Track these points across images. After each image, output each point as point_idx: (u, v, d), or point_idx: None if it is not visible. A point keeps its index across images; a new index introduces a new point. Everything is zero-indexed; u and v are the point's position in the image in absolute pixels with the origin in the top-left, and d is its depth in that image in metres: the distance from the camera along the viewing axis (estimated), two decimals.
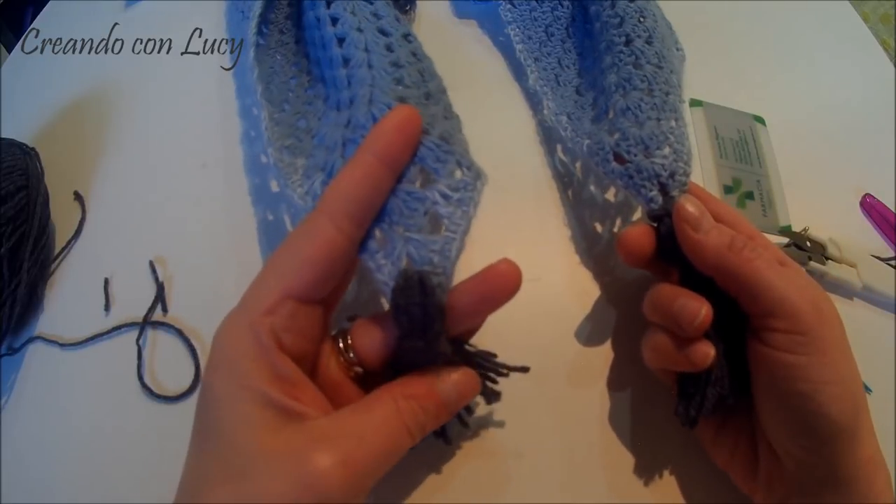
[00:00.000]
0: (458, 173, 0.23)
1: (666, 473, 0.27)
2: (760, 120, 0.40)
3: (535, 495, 0.26)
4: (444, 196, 0.22)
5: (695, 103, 0.40)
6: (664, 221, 0.26)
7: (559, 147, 0.36)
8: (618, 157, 0.28)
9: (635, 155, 0.27)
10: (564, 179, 0.35)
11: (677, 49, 0.38)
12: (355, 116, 0.24)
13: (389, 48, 0.28)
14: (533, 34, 0.38)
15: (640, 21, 0.32)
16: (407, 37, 0.29)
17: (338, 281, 0.22)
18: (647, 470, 0.27)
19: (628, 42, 0.31)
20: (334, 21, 0.29)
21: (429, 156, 0.23)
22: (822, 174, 0.38)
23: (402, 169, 0.22)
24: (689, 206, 0.25)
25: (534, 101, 0.38)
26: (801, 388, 0.21)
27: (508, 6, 0.38)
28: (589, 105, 0.34)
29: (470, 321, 0.23)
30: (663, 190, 0.27)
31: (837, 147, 0.39)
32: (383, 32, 0.29)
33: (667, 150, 0.27)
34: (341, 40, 0.28)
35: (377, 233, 0.22)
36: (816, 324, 0.22)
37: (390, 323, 0.22)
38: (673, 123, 0.29)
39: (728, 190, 0.36)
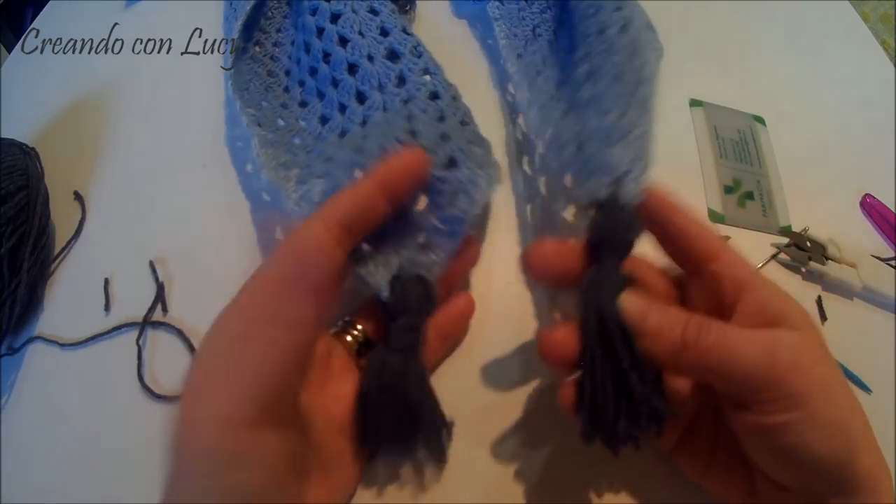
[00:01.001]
0: (456, 205, 0.25)
1: (665, 474, 0.27)
2: (760, 120, 0.40)
3: (533, 496, 0.26)
4: (437, 229, 0.25)
5: (695, 103, 0.40)
6: (603, 209, 0.23)
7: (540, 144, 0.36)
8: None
9: (591, 147, 0.25)
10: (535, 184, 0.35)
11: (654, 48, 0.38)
12: (366, 146, 0.26)
13: (401, 79, 0.29)
14: (519, 32, 0.38)
15: (615, 11, 0.31)
16: (417, 48, 0.30)
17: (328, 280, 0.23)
18: (644, 470, 0.27)
19: (601, 31, 0.30)
20: (343, 41, 0.30)
21: (431, 188, 0.25)
22: (822, 174, 0.38)
23: (400, 203, 0.24)
24: (630, 306, 0.21)
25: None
26: (790, 442, 0.20)
27: (497, 3, 0.38)
28: (564, 99, 0.33)
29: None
30: (616, 182, 0.24)
31: (837, 147, 0.39)
32: (394, 54, 0.29)
33: (625, 147, 0.25)
34: (352, 67, 0.29)
35: (368, 246, 0.24)
36: (798, 374, 0.20)
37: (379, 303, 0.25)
38: (638, 118, 0.26)
39: (728, 190, 0.36)
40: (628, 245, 0.23)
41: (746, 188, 0.37)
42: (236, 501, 0.19)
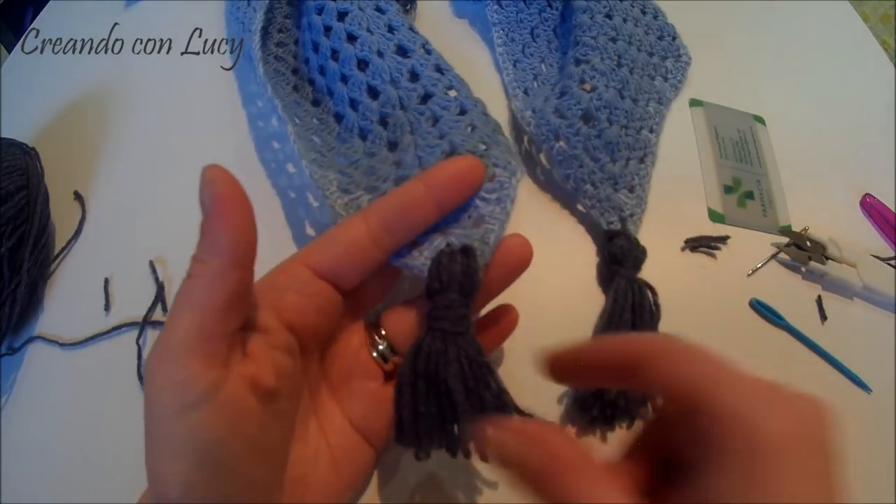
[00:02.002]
0: (495, 174, 0.25)
1: None
2: (760, 120, 0.40)
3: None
4: (484, 199, 0.25)
5: (695, 103, 0.40)
6: (615, 240, 0.30)
7: (525, 138, 0.37)
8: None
9: (604, 189, 0.32)
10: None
11: (678, 56, 0.39)
12: (404, 159, 0.26)
13: (414, 75, 0.28)
14: (517, 36, 0.38)
15: (610, 41, 0.35)
16: (425, 46, 0.30)
17: (358, 275, 0.23)
18: None
19: (619, 65, 0.34)
20: (351, 38, 0.30)
21: None
22: (822, 174, 0.38)
23: (449, 208, 0.24)
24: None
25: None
26: None
27: (496, 7, 0.38)
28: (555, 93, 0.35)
29: (492, 291, 0.25)
30: (621, 219, 0.32)
31: (837, 147, 0.39)
32: (403, 51, 0.29)
33: (630, 191, 0.33)
34: (362, 63, 0.29)
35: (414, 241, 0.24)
36: None
37: (420, 302, 0.25)
38: (639, 163, 0.34)
39: (728, 190, 0.36)
40: (641, 261, 0.30)
41: (746, 188, 0.37)
42: (199, 448, 0.17)
